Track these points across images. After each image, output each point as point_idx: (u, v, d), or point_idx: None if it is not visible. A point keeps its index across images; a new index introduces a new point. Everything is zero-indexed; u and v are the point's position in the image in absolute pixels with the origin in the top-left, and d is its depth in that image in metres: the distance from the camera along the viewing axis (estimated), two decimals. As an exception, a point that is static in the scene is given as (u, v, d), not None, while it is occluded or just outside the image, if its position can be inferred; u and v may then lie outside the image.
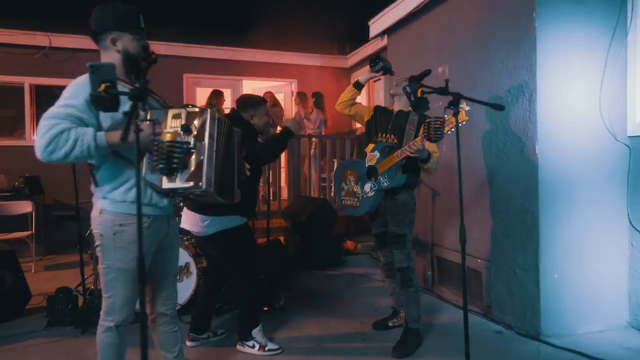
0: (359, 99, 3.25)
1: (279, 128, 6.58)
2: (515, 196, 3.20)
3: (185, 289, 3.58)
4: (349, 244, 6.25)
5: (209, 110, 1.96)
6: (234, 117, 2.88)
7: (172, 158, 1.63)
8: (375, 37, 5.11)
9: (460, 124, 2.28)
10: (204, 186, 1.87)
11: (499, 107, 2.20)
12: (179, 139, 1.67)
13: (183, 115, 1.91)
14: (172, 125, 1.90)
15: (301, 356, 2.88)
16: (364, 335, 3.19)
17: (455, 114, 2.16)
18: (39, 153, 1.70)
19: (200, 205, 2.75)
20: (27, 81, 6.43)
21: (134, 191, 1.91)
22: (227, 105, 6.80)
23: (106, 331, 1.98)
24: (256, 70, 7.65)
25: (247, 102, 2.97)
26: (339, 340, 3.14)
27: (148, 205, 1.96)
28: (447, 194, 4.01)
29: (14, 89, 6.42)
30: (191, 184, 1.86)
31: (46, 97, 6.47)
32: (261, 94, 6.90)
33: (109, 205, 1.92)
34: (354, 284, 4.51)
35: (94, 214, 1.96)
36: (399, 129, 2.94)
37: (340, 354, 2.92)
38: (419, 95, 2.20)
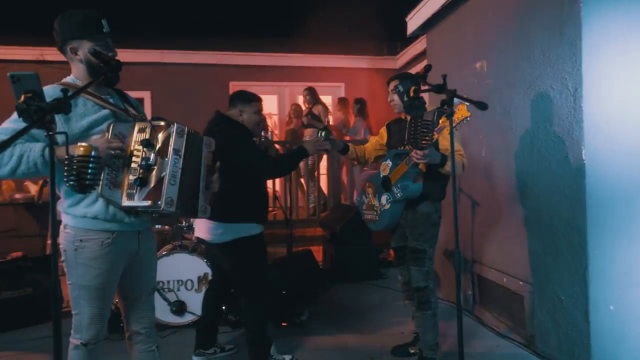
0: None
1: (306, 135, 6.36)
2: (560, 209, 2.70)
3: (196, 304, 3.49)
4: (393, 253, 5.91)
5: (175, 124, 1.81)
6: (218, 121, 2.72)
7: (83, 174, 1.49)
8: (413, 33, 4.73)
9: (465, 121, 1.92)
10: (162, 205, 1.72)
11: (482, 106, 1.81)
12: (93, 154, 1.52)
13: (147, 129, 1.79)
14: (137, 139, 1.79)
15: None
16: (380, 363, 2.88)
17: (450, 116, 1.80)
18: None
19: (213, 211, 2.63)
20: (87, 95, 6.87)
21: (96, 206, 1.81)
22: (270, 111, 6.77)
23: (74, 349, 1.89)
24: (301, 75, 7.52)
25: (238, 97, 2.78)
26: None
27: (112, 221, 1.83)
28: (487, 205, 3.55)
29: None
30: (149, 202, 1.72)
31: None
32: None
33: (70, 220, 1.83)
34: (386, 300, 4.17)
35: (61, 228, 1.89)
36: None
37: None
38: (411, 94, 1.87)
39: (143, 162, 1.73)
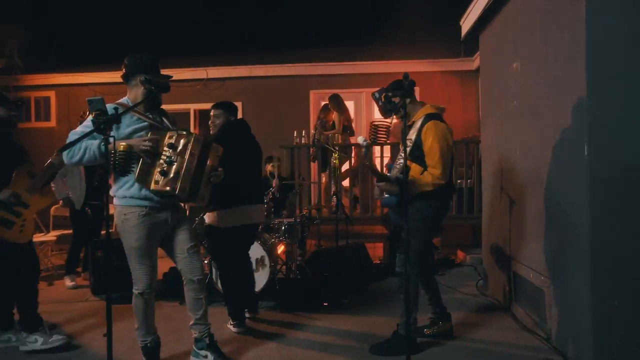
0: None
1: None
2: (570, 205, 2.75)
3: (262, 279, 4.10)
4: (460, 254, 5.99)
5: (194, 134, 2.52)
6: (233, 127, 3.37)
7: (122, 163, 2.18)
8: (465, 36, 4.85)
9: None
10: (177, 191, 2.42)
11: (394, 110, 2.05)
12: (129, 150, 2.21)
13: (174, 136, 2.48)
14: (165, 143, 2.49)
15: (313, 350, 3.07)
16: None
17: (403, 117, 2.11)
18: (64, 159, 2.45)
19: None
20: (192, 107, 8.11)
21: (132, 189, 2.53)
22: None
23: (135, 298, 2.64)
24: (377, 81, 7.88)
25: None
26: (363, 339, 3.18)
27: (144, 199, 2.54)
28: (524, 204, 3.60)
29: (183, 115, 8.19)
30: (168, 188, 2.42)
31: (206, 118, 8.05)
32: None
33: (117, 201, 2.59)
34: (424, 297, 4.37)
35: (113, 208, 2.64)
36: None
37: (342, 352, 3.02)
38: (382, 99, 2.22)
39: (167, 159, 2.41)
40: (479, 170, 5.30)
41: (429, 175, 2.71)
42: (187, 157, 2.43)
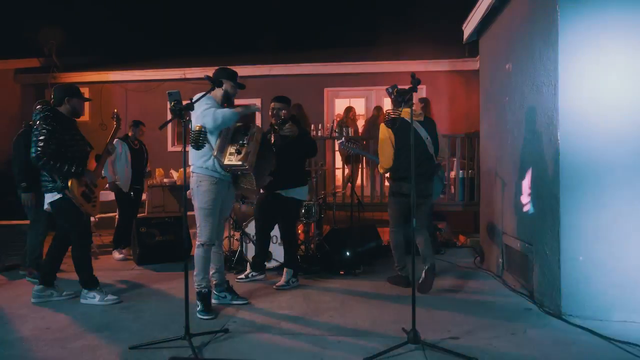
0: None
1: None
2: (545, 181, 3.35)
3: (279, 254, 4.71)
4: (461, 238, 6.59)
5: (257, 126, 3.33)
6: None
7: (196, 139, 2.81)
8: (467, 40, 5.43)
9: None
10: (246, 165, 3.12)
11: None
12: (203, 130, 2.86)
13: (242, 128, 3.29)
14: (239, 129, 3.27)
15: (334, 301, 3.69)
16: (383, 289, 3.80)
17: (410, 107, 2.73)
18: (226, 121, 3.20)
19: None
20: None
21: (208, 162, 3.24)
22: (359, 112, 7.86)
23: (197, 248, 3.32)
24: (387, 80, 8.47)
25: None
26: (373, 296, 3.80)
27: (216, 172, 3.25)
28: (513, 185, 4.19)
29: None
30: (240, 162, 3.13)
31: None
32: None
33: (195, 169, 3.28)
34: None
35: (190, 175, 3.33)
36: None
37: (356, 303, 3.62)
38: (394, 93, 2.83)
39: (240, 142, 3.15)
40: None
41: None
42: (253, 142, 3.18)
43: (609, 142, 3.08)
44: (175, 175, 8.26)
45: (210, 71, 3.55)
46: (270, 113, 4.09)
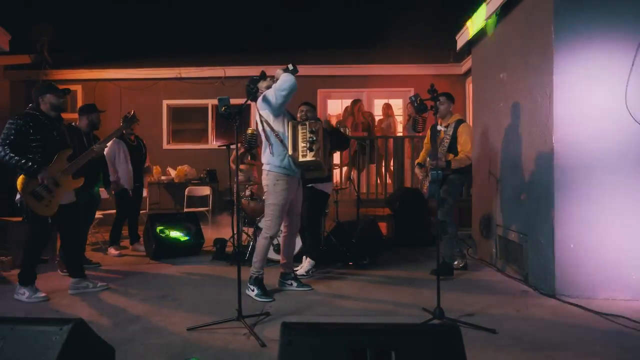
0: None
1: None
2: (541, 180, 3.83)
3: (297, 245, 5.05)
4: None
5: (321, 122, 3.66)
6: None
7: (248, 140, 3.15)
8: (461, 49, 5.90)
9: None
10: (320, 159, 3.50)
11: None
12: (255, 132, 3.19)
13: (308, 125, 3.57)
14: (308, 128, 3.57)
15: (352, 289, 4.07)
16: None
17: (435, 114, 3.15)
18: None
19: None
20: (210, 102, 8.94)
21: (284, 161, 3.58)
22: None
23: (264, 239, 3.65)
24: (376, 82, 8.93)
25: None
26: (383, 282, 4.20)
27: (290, 170, 3.60)
28: (507, 183, 4.68)
29: (201, 109, 9.03)
30: (313, 158, 3.48)
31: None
32: (380, 105, 8.25)
33: (272, 168, 3.60)
34: (432, 255, 5.42)
35: (264, 174, 3.66)
36: None
37: (374, 289, 4.02)
38: (418, 102, 3.22)
39: (310, 139, 3.46)
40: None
41: (464, 156, 4.20)
42: (320, 137, 3.51)
43: (597, 146, 3.59)
44: (172, 172, 8.43)
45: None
46: (298, 115, 4.42)
